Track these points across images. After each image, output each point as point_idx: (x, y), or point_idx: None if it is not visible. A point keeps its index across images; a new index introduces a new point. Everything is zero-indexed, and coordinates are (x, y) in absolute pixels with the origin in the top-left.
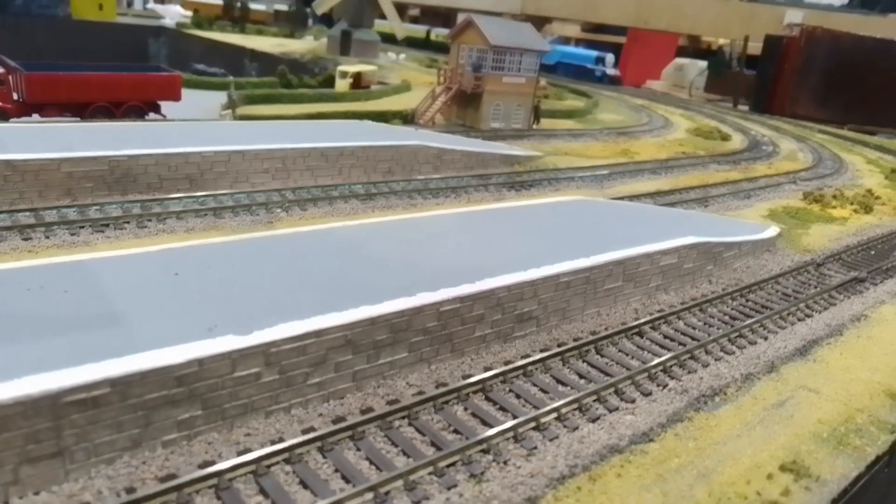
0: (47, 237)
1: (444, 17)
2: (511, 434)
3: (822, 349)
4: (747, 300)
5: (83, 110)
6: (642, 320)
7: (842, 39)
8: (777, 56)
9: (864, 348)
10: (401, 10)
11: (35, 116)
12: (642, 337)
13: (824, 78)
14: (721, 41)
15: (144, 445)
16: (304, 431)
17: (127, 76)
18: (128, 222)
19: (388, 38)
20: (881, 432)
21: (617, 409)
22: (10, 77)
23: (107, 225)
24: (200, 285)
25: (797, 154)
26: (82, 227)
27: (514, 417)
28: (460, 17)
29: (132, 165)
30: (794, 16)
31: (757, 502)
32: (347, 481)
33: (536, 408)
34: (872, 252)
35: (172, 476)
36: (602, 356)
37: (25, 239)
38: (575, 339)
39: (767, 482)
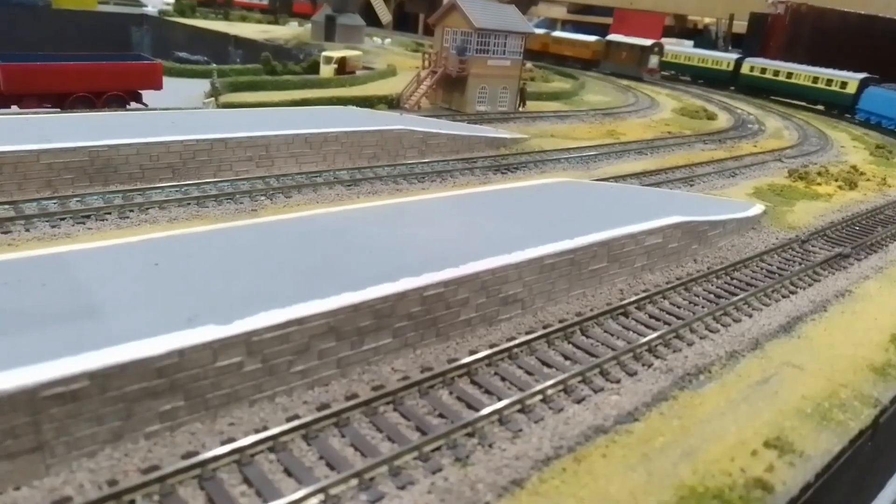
0: (27, 230)
1: (429, 0)
2: (496, 417)
3: (807, 325)
4: (732, 278)
5: (63, 101)
6: (627, 300)
7: (826, 16)
8: (762, 34)
9: (847, 324)
10: None
11: (14, 108)
12: (627, 317)
13: (809, 55)
14: (707, 20)
15: (126, 438)
16: (289, 419)
17: (106, 65)
18: (109, 213)
19: None
20: (864, 406)
21: (602, 389)
22: None
23: (88, 216)
24: (181, 275)
25: (783, 132)
26: (63, 219)
27: (500, 400)
28: (446, 1)
29: (113, 156)
30: None
31: (741, 479)
32: (332, 468)
33: (522, 390)
34: (857, 228)
35: (155, 467)
36: (587, 337)
37: (5, 232)
38: (560, 321)
39: (752, 459)
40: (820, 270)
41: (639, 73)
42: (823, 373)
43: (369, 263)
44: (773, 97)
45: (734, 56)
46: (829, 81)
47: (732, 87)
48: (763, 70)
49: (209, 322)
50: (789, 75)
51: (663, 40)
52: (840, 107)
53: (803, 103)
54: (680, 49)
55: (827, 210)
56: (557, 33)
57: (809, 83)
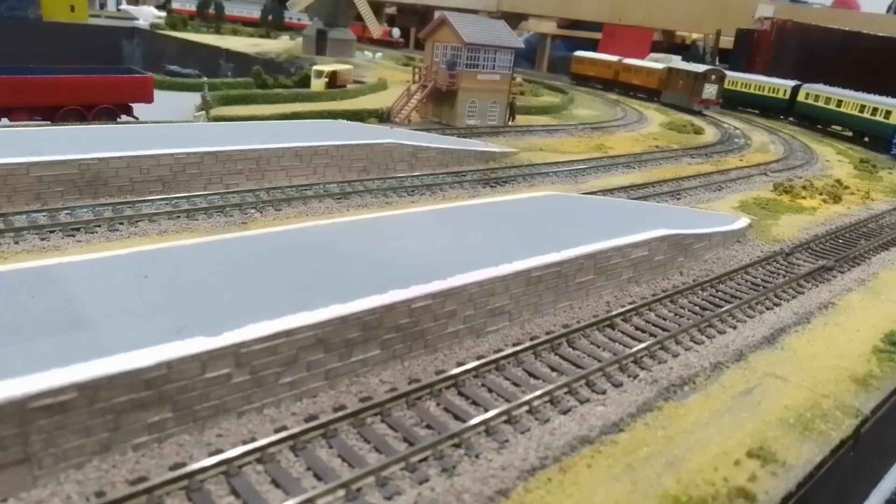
0: (16, 242)
1: (420, 14)
2: (483, 428)
3: (790, 337)
4: (717, 290)
5: (54, 113)
6: (614, 312)
7: (812, 32)
8: (748, 49)
9: (830, 335)
10: (377, 8)
11: (4, 121)
12: (614, 329)
13: (795, 70)
14: (695, 36)
15: (114, 449)
16: (277, 431)
17: (97, 78)
18: (99, 226)
19: None
20: (846, 417)
21: (588, 400)
22: None
23: (77, 229)
24: (170, 287)
25: (769, 146)
26: (52, 232)
27: (486, 411)
28: (437, 15)
29: (102, 168)
30: (765, 10)
31: (724, 489)
32: (319, 479)
33: (508, 401)
34: (840, 241)
35: (143, 479)
36: (574, 349)
37: None
38: (547, 333)
39: (735, 468)
40: (804, 283)
41: (690, 105)
42: (806, 384)
43: (358, 276)
44: (829, 129)
45: (791, 83)
46: (875, 110)
47: (790, 118)
48: (817, 97)
49: (198, 334)
50: (839, 103)
51: (652, 55)
52: (882, 140)
53: (852, 135)
54: (735, 75)
55: (811, 223)
56: (629, 60)
57: (856, 112)
